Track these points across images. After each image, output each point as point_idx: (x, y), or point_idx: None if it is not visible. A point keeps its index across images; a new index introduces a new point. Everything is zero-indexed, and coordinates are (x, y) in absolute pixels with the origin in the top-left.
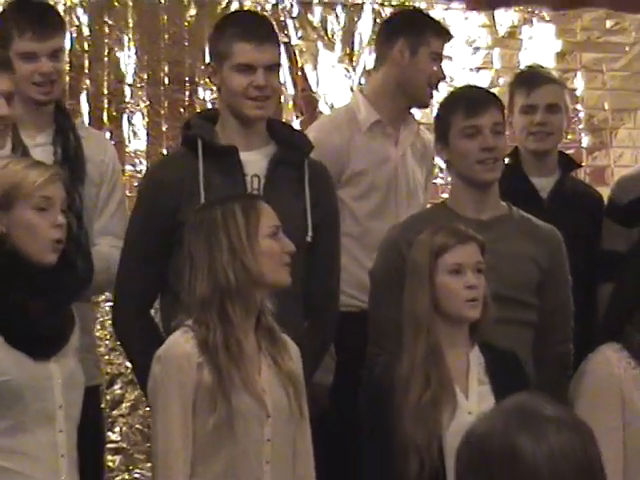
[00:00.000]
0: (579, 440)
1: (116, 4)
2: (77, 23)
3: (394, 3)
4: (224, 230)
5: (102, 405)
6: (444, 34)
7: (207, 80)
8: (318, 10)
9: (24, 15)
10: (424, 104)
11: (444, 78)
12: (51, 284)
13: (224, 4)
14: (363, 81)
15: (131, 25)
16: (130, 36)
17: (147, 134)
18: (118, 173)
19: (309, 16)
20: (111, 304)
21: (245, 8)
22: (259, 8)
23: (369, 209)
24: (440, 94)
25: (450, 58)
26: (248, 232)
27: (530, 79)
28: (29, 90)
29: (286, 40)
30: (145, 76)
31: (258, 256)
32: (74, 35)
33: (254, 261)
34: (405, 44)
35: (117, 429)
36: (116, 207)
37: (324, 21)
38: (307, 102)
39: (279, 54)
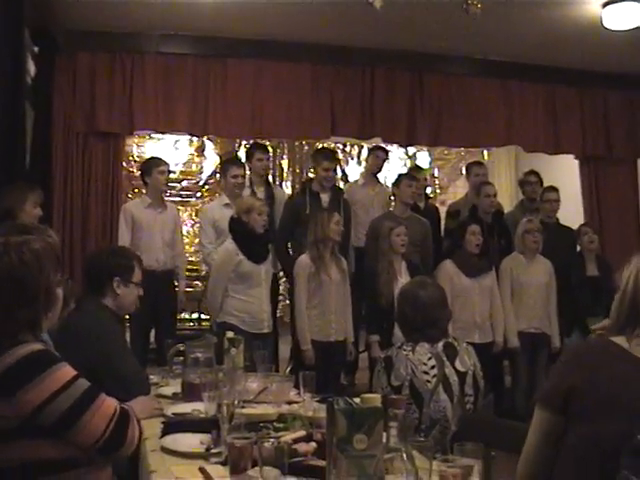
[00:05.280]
0: (413, 290)
1: (277, 148)
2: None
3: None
4: (319, 220)
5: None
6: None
7: (311, 171)
8: (349, 146)
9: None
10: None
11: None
12: (260, 239)
13: (317, 145)
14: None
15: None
16: (286, 158)
17: (292, 187)
18: (283, 203)
19: (346, 148)
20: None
21: (324, 145)
22: (330, 145)
23: (360, 212)
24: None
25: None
26: (328, 220)
27: (418, 168)
28: (258, 172)
29: (339, 157)
30: (290, 177)
31: (330, 229)
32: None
33: (328, 230)
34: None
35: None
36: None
37: (351, 150)
38: (344, 179)
39: (338, 163)
